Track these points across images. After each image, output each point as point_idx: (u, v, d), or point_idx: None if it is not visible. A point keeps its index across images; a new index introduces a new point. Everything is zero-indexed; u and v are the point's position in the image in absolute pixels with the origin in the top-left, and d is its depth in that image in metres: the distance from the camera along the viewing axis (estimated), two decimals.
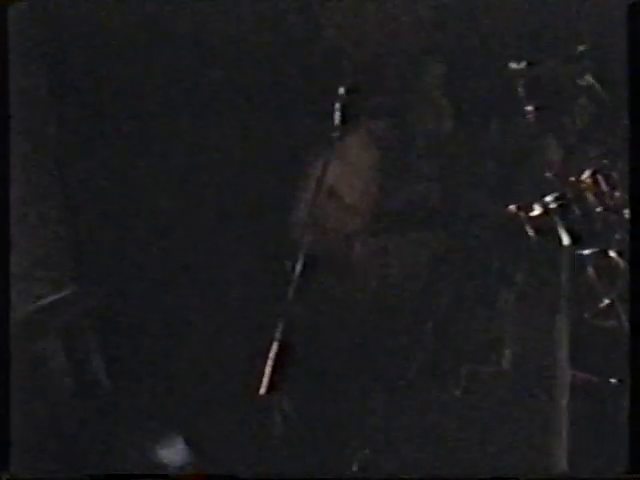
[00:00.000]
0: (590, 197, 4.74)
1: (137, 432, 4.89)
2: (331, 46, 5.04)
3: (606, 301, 4.61)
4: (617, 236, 4.67)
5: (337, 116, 4.65)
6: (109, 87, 5.06)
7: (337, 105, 4.54)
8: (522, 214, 4.79)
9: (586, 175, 4.76)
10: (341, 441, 3.90)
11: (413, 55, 5.07)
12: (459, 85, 5.03)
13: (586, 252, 4.66)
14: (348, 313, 4.87)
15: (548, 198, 4.74)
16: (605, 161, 4.78)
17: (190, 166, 5.10)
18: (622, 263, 4.63)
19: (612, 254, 4.66)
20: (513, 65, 4.89)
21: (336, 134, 4.45)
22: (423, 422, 3.80)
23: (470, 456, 3.71)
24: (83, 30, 4.98)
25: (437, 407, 3.84)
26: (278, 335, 4.63)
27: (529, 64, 4.87)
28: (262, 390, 4.63)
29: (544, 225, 4.73)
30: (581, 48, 4.89)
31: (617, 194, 4.71)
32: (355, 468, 3.65)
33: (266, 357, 4.65)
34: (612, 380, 4.55)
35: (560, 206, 4.72)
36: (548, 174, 4.90)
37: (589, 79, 4.87)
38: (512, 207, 4.83)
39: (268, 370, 4.58)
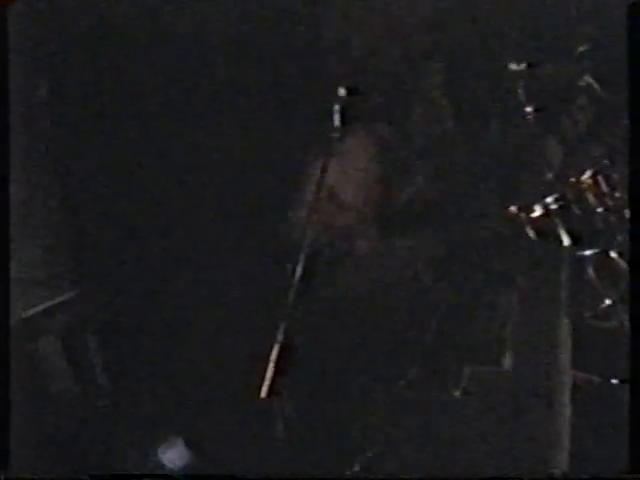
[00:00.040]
0: (590, 198, 4.74)
1: (137, 433, 4.88)
2: (331, 48, 5.03)
3: (607, 302, 4.61)
4: (618, 237, 4.67)
5: (337, 117, 4.64)
6: (109, 87, 5.05)
7: (337, 107, 4.53)
8: (523, 215, 4.79)
9: (586, 176, 4.76)
10: (342, 442, 3.90)
11: (413, 56, 5.06)
12: (459, 86, 5.03)
13: (587, 253, 4.66)
14: (349, 315, 4.86)
15: (548, 199, 4.75)
16: (605, 162, 4.78)
17: (190, 167, 5.09)
18: (623, 264, 4.63)
19: (613, 255, 4.66)
20: (513, 66, 4.89)
21: (336, 135, 4.43)
22: (424, 422, 3.80)
23: (470, 456, 3.71)
24: (83, 30, 4.97)
25: (438, 407, 3.83)
26: (279, 338, 4.62)
27: (529, 65, 4.87)
28: (263, 393, 4.63)
29: (545, 226, 4.73)
30: (581, 49, 4.89)
31: (617, 195, 4.71)
32: (357, 468, 3.64)
33: (267, 360, 4.64)
34: (613, 380, 4.55)
35: (560, 207, 4.72)
36: (548, 175, 4.90)
37: (589, 80, 4.86)
38: (513, 208, 4.82)
39: (269, 373, 4.57)
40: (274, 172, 5.03)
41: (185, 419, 4.88)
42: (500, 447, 3.78)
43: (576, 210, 4.73)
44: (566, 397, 4.14)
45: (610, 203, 4.71)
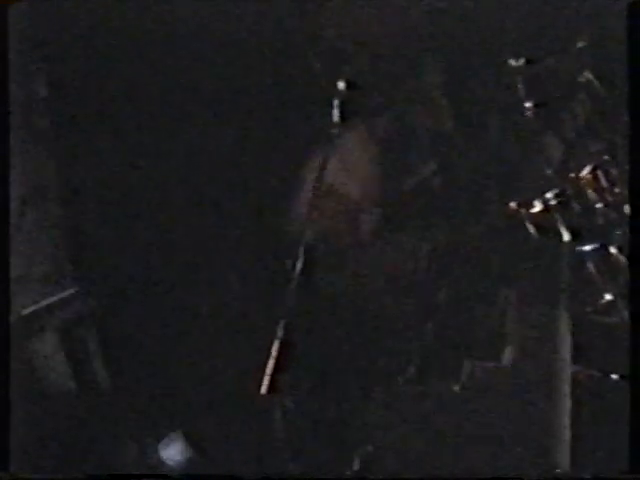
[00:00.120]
0: (590, 193, 4.74)
1: (137, 430, 4.88)
2: (331, 45, 5.04)
3: (607, 297, 4.60)
4: (617, 232, 4.66)
5: (336, 114, 4.64)
6: (108, 86, 5.06)
7: (336, 102, 4.53)
8: (522, 211, 4.78)
9: (586, 171, 4.76)
10: (342, 438, 3.89)
11: (413, 53, 5.07)
12: (459, 82, 5.03)
13: (586, 248, 4.65)
14: (349, 310, 4.86)
15: (548, 194, 4.74)
16: (605, 157, 4.77)
17: (189, 164, 5.09)
18: (622, 259, 4.62)
19: (612, 250, 4.65)
20: (512, 62, 4.89)
21: (335, 131, 4.43)
22: (423, 417, 3.79)
23: (470, 451, 3.70)
24: (83, 30, 4.98)
25: (437, 402, 3.82)
26: (279, 333, 4.62)
27: (528, 61, 4.87)
28: (263, 389, 4.62)
29: (544, 221, 4.72)
30: (580, 45, 4.89)
31: (617, 190, 4.71)
32: (357, 464, 3.64)
33: (267, 356, 4.64)
34: (613, 376, 4.54)
35: (560, 202, 4.72)
36: (548, 171, 4.90)
37: (588, 76, 4.86)
38: (512, 204, 4.82)
39: (270, 369, 4.56)
40: (273, 168, 5.03)
41: (185, 415, 4.88)
42: (500, 442, 3.77)
43: (576, 206, 4.72)
44: (566, 393, 4.13)
45: (610, 198, 4.71)
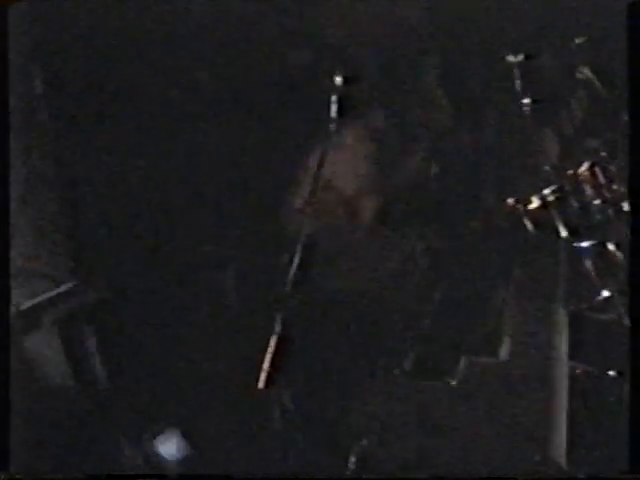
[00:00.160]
0: (588, 190, 4.74)
1: (134, 425, 4.88)
2: (328, 40, 5.04)
3: (604, 294, 4.60)
4: (615, 229, 4.66)
5: (334, 109, 4.64)
6: (108, 86, 5.06)
7: (334, 98, 4.53)
8: (520, 207, 4.79)
9: (584, 168, 4.76)
10: (339, 432, 3.90)
11: (410, 49, 5.07)
12: (456, 78, 5.03)
13: (584, 245, 4.66)
14: (346, 305, 4.87)
15: (546, 191, 4.74)
16: (603, 154, 4.77)
17: (187, 161, 5.09)
18: (620, 256, 4.62)
19: (610, 247, 4.66)
20: (510, 58, 4.89)
21: (333, 126, 4.43)
22: (420, 413, 3.79)
23: (466, 446, 3.70)
24: (83, 30, 4.98)
25: (434, 397, 3.83)
26: (277, 328, 4.62)
27: (526, 57, 4.87)
28: (261, 384, 4.63)
29: (542, 218, 4.73)
30: (578, 41, 4.89)
31: (615, 187, 4.71)
32: (353, 459, 3.64)
33: (265, 351, 4.64)
34: (610, 372, 4.55)
35: (558, 199, 4.72)
36: (546, 167, 4.90)
37: (586, 72, 4.86)
38: (510, 200, 4.82)
39: (267, 364, 4.57)
40: (271, 163, 5.03)
41: (182, 410, 4.88)
42: (496, 437, 3.78)
43: (573, 202, 4.72)
44: (563, 389, 4.13)
45: (607, 195, 4.71)
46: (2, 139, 4.75)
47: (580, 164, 4.78)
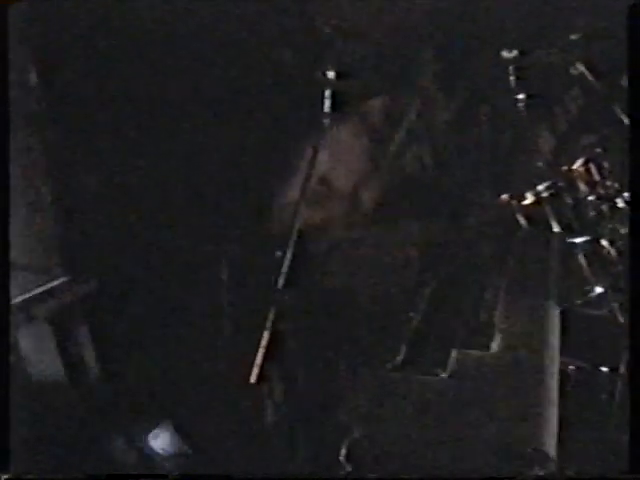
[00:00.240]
0: (582, 186, 4.73)
1: (127, 421, 4.87)
2: (323, 36, 5.03)
3: (597, 290, 4.59)
4: (608, 225, 4.66)
5: (327, 103, 4.63)
6: (108, 85, 5.06)
7: (327, 92, 4.52)
8: (514, 203, 4.77)
9: (578, 164, 4.75)
10: (330, 425, 3.89)
11: (405, 44, 5.07)
12: (451, 73, 5.03)
13: (577, 241, 4.65)
14: (339, 301, 4.87)
15: (540, 187, 4.73)
16: (597, 150, 4.77)
17: (180, 156, 5.09)
18: (613, 252, 4.61)
19: (604, 243, 4.65)
20: (505, 54, 4.88)
21: (327, 121, 4.43)
22: (411, 406, 3.78)
23: (456, 440, 3.69)
24: (83, 30, 4.98)
25: (425, 391, 3.82)
26: (269, 323, 4.61)
27: (521, 53, 4.86)
28: (253, 378, 4.62)
29: (536, 214, 4.72)
30: (573, 37, 4.88)
31: (608, 183, 4.70)
32: (344, 453, 3.63)
33: (257, 345, 4.63)
34: (603, 368, 4.55)
35: (552, 195, 4.71)
36: (540, 163, 4.90)
37: (581, 68, 4.86)
38: (504, 196, 4.81)
39: (259, 358, 4.55)
40: (264, 158, 5.03)
41: (175, 406, 4.87)
42: (487, 432, 3.77)
43: (567, 198, 4.71)
44: (554, 384, 4.12)
45: (601, 191, 4.70)
46: (2, 138, 4.74)
47: (574, 160, 4.77)
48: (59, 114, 5.03)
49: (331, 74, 4.61)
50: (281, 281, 4.47)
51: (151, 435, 4.86)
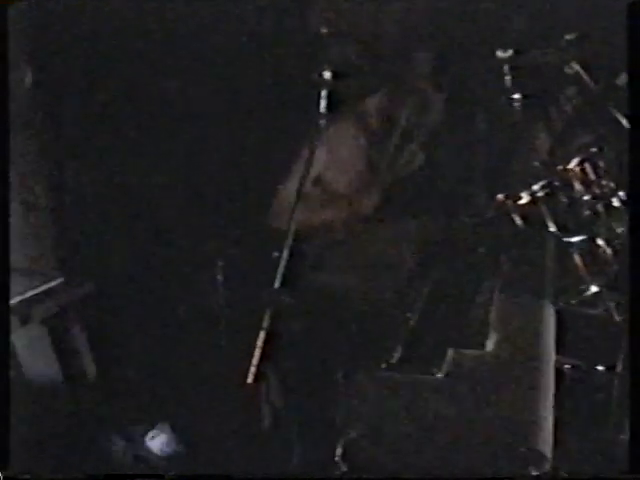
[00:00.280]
0: (577, 185, 4.73)
1: (124, 422, 4.87)
2: (319, 36, 5.04)
3: (593, 289, 4.60)
4: (604, 224, 4.66)
5: (323, 104, 4.63)
6: (108, 85, 5.06)
7: (324, 92, 4.52)
8: (510, 202, 4.77)
9: (574, 164, 4.75)
10: (327, 425, 3.89)
11: (401, 44, 5.07)
12: (446, 73, 5.03)
13: (573, 240, 4.65)
14: (335, 300, 4.87)
15: (535, 186, 4.73)
16: (593, 149, 4.77)
17: (176, 156, 5.10)
18: (609, 251, 4.62)
19: (599, 242, 4.65)
20: (500, 53, 4.88)
21: (323, 121, 4.43)
22: (406, 405, 3.78)
23: (452, 439, 3.69)
24: (83, 30, 4.98)
25: (420, 390, 3.82)
26: (265, 324, 4.60)
27: (516, 52, 4.86)
28: (249, 379, 4.61)
29: (531, 213, 4.72)
30: (568, 37, 4.88)
31: (604, 182, 4.70)
32: (340, 450, 3.63)
33: (254, 346, 4.63)
34: (599, 368, 4.55)
35: (547, 194, 4.71)
36: (535, 163, 4.90)
37: (576, 67, 4.86)
38: (500, 195, 4.81)
39: (256, 359, 4.55)
40: (260, 158, 5.04)
41: (171, 406, 4.87)
42: (482, 431, 3.76)
43: (563, 198, 4.71)
44: (550, 383, 4.12)
45: (597, 191, 4.71)
46: (2, 139, 4.74)
47: (570, 160, 4.77)
48: (56, 114, 5.04)
49: (327, 74, 4.60)
50: (277, 281, 4.47)
51: (148, 436, 4.85)
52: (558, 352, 4.36)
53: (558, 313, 4.53)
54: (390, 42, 5.04)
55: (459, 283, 4.78)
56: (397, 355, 4.23)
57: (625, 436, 4.40)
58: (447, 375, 3.93)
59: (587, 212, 4.68)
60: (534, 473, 3.64)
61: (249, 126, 5.07)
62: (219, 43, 5.06)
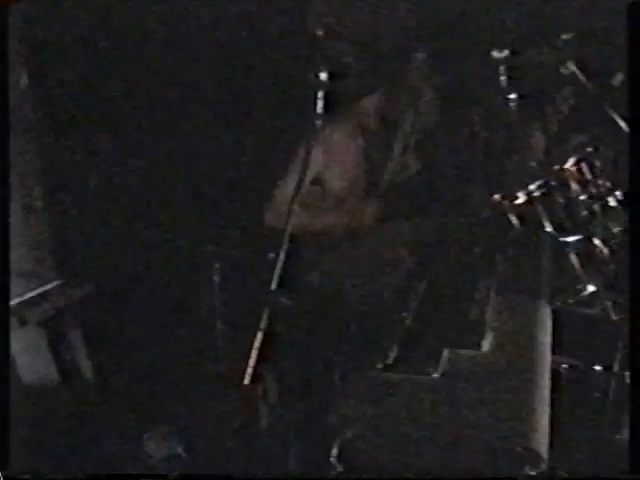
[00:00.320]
0: (574, 185, 4.73)
1: (121, 425, 4.87)
2: (315, 35, 5.04)
3: (590, 288, 4.60)
4: (601, 223, 4.66)
5: (320, 104, 4.63)
6: (108, 85, 5.06)
7: (320, 93, 4.52)
8: (506, 202, 4.77)
9: (570, 163, 4.75)
10: (323, 425, 3.90)
11: (398, 45, 5.07)
12: (443, 74, 5.03)
13: (569, 239, 4.65)
14: (331, 301, 4.87)
15: (532, 186, 4.73)
16: (589, 149, 4.77)
17: (172, 157, 5.10)
18: (606, 250, 4.62)
19: (596, 241, 4.65)
20: (496, 54, 4.88)
21: (319, 122, 4.43)
22: (402, 406, 3.78)
23: (448, 439, 3.69)
24: (83, 30, 4.99)
25: (416, 391, 3.82)
26: (262, 324, 4.60)
27: (512, 53, 4.86)
28: (246, 380, 4.61)
29: (528, 213, 4.72)
30: (564, 36, 4.88)
31: (600, 182, 4.70)
32: (335, 451, 3.63)
33: (251, 347, 4.63)
34: (597, 367, 4.55)
35: (544, 194, 4.70)
36: (532, 163, 4.90)
37: (572, 68, 4.86)
38: (497, 196, 4.81)
39: (253, 360, 4.55)
40: (257, 159, 5.04)
41: (169, 407, 4.88)
42: (479, 431, 3.76)
43: (559, 197, 4.71)
44: (547, 383, 4.12)
45: (593, 190, 4.71)
46: (2, 139, 4.75)
47: (566, 159, 4.77)
48: (54, 115, 5.04)
49: (323, 75, 4.60)
50: (274, 282, 4.47)
51: (146, 437, 4.86)
52: (555, 352, 4.36)
53: (555, 313, 4.53)
54: (386, 43, 5.04)
55: (455, 283, 4.78)
56: (393, 355, 4.22)
57: (621, 436, 4.41)
58: (443, 375, 3.93)
59: (584, 212, 4.67)
60: (530, 473, 3.64)
61: (245, 127, 5.08)
62: (215, 44, 5.07)
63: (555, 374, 4.29)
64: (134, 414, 4.88)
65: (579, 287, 4.59)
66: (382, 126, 5.08)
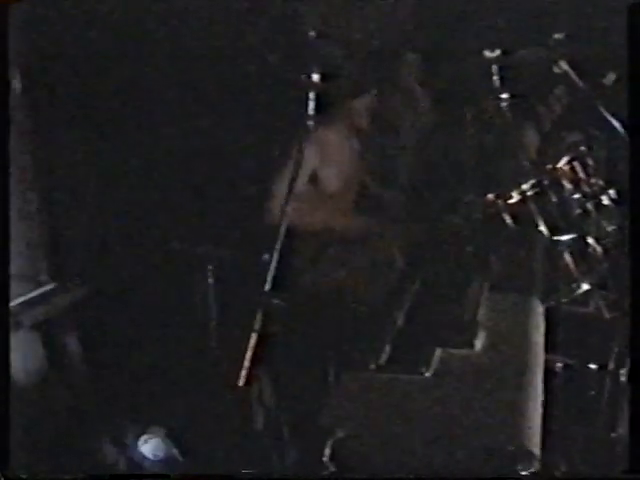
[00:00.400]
0: (567, 184, 4.73)
1: (116, 427, 4.87)
2: (308, 37, 5.03)
3: (584, 287, 4.60)
4: (594, 222, 4.66)
5: (312, 105, 4.63)
6: (108, 85, 5.07)
7: (312, 94, 4.52)
8: (500, 202, 4.77)
9: (563, 162, 4.75)
10: (316, 426, 3.89)
11: (390, 45, 5.07)
12: (435, 74, 5.04)
13: (563, 238, 4.65)
14: (325, 301, 4.87)
15: (525, 185, 4.72)
16: (582, 148, 4.77)
17: (167, 157, 5.10)
18: (599, 249, 4.62)
19: (590, 241, 4.65)
20: (488, 53, 4.88)
21: (311, 123, 4.43)
22: (394, 406, 3.78)
23: (440, 439, 3.69)
24: (83, 30, 4.98)
25: (408, 390, 3.82)
26: (257, 325, 4.61)
27: (504, 52, 4.86)
28: (241, 381, 4.62)
29: (521, 212, 4.72)
30: (557, 36, 4.88)
31: (593, 180, 4.70)
32: (328, 451, 3.63)
33: (245, 348, 4.63)
34: (592, 366, 4.55)
35: (537, 193, 4.70)
36: (525, 162, 4.90)
37: (565, 67, 4.86)
38: (490, 195, 4.81)
39: (247, 361, 4.55)
40: (251, 160, 5.04)
41: (164, 408, 4.88)
42: (471, 430, 3.76)
43: (552, 196, 4.71)
44: (540, 382, 4.12)
45: (587, 189, 4.70)
46: (2, 140, 4.75)
47: (559, 159, 4.77)
48: (52, 116, 5.04)
49: (315, 76, 4.61)
50: (268, 283, 4.47)
51: (141, 440, 4.86)
52: (549, 351, 4.36)
53: (548, 312, 4.53)
54: (378, 43, 5.04)
55: (448, 282, 4.79)
56: (386, 355, 4.22)
57: (616, 434, 4.41)
58: (435, 375, 3.93)
59: (577, 211, 4.67)
60: (523, 472, 3.64)
61: (237, 128, 5.07)
62: (207, 46, 5.07)
63: (549, 373, 4.29)
64: (128, 416, 4.88)
65: (573, 286, 4.59)
66: (374, 127, 5.08)
